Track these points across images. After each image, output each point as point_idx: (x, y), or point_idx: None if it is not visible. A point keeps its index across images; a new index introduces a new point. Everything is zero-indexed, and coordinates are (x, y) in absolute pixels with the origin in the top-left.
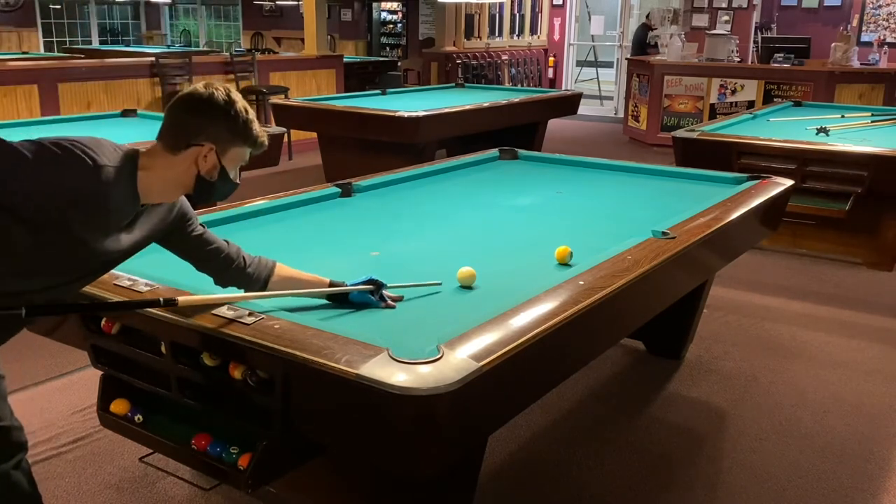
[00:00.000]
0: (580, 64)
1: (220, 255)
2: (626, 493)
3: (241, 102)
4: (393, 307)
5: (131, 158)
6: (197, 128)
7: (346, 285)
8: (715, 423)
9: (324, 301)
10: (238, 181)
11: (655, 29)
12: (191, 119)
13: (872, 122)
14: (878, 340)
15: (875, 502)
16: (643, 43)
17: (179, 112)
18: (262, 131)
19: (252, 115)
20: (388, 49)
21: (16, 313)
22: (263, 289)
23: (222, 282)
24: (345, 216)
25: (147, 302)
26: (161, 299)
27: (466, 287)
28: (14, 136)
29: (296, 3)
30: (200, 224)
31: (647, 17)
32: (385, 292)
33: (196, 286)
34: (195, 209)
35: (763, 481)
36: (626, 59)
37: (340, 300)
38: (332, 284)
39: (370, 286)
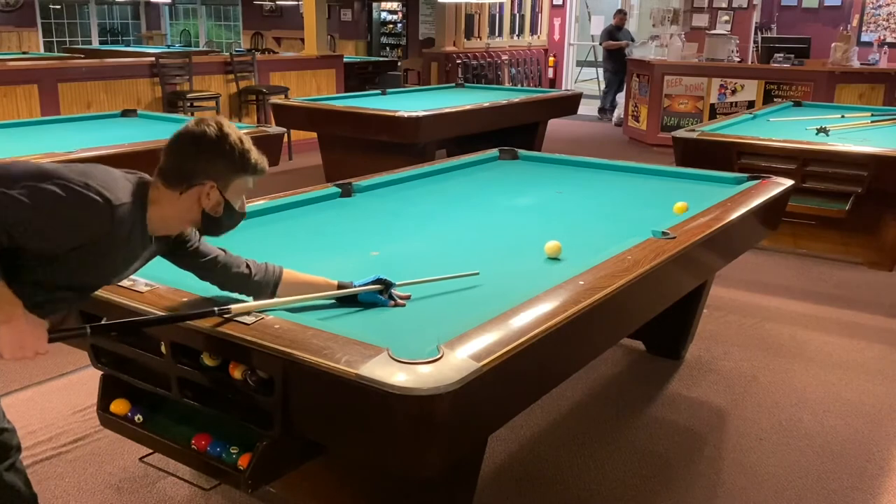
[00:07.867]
0: (580, 64)
1: (216, 266)
2: (625, 492)
3: (234, 134)
4: (402, 305)
5: (142, 192)
6: (195, 168)
7: (354, 285)
8: (715, 423)
9: (326, 301)
10: (244, 210)
11: (622, 28)
12: (187, 160)
13: (872, 122)
14: (878, 340)
15: (875, 502)
16: (612, 35)
17: (175, 154)
18: (260, 157)
19: (248, 143)
20: (388, 49)
21: (82, 332)
22: (272, 295)
23: (226, 290)
24: (345, 216)
25: (203, 313)
26: (216, 309)
27: (554, 258)
28: (15, 135)
29: (296, 3)
30: (197, 238)
31: (617, 14)
32: (394, 291)
33: (195, 285)
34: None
35: (763, 481)
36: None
37: (349, 300)
38: (340, 285)
39: (379, 286)
